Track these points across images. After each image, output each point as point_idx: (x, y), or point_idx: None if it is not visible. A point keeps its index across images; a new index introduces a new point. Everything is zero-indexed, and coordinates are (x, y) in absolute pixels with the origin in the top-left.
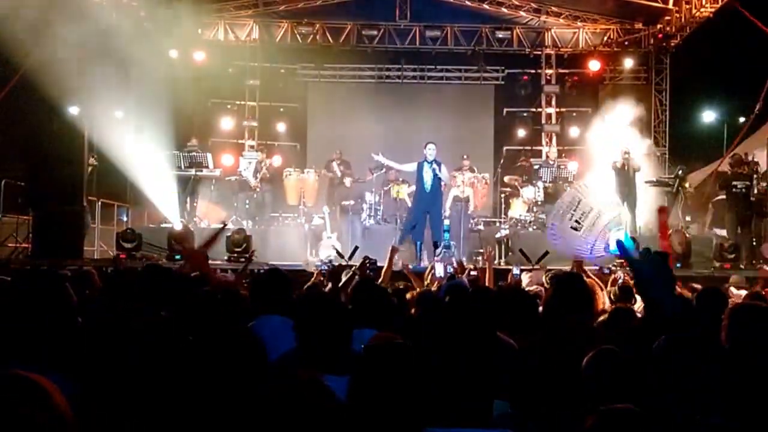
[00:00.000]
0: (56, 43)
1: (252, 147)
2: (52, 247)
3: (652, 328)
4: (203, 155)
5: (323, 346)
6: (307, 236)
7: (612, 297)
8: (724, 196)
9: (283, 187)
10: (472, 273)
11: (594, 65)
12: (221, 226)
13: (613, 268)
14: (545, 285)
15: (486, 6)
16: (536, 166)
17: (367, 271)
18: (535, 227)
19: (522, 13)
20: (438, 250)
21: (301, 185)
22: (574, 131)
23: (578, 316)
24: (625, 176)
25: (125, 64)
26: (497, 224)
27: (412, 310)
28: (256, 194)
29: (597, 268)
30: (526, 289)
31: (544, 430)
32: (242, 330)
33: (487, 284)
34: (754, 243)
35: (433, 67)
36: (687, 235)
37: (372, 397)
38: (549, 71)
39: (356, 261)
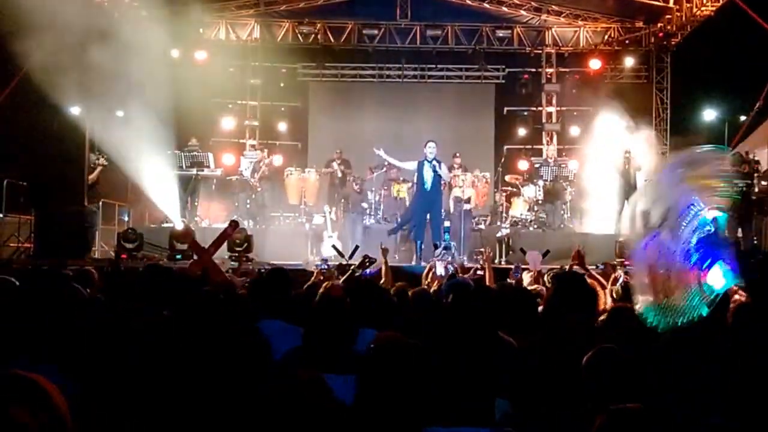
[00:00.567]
0: (58, 43)
1: (253, 146)
2: (54, 247)
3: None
4: (204, 155)
5: (327, 345)
6: (308, 235)
7: (614, 296)
8: None
9: (284, 186)
10: (479, 272)
11: (595, 64)
12: (232, 225)
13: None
14: (541, 272)
15: (486, 5)
16: (537, 165)
17: (367, 271)
18: (535, 226)
19: (522, 12)
20: (438, 251)
21: (302, 184)
22: (574, 130)
23: (579, 315)
24: (627, 176)
25: (126, 64)
26: (498, 223)
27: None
28: (256, 194)
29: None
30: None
31: (545, 430)
32: (249, 329)
33: (487, 284)
34: (755, 242)
35: (434, 66)
36: None
37: (380, 395)
38: (549, 70)
39: (356, 261)
